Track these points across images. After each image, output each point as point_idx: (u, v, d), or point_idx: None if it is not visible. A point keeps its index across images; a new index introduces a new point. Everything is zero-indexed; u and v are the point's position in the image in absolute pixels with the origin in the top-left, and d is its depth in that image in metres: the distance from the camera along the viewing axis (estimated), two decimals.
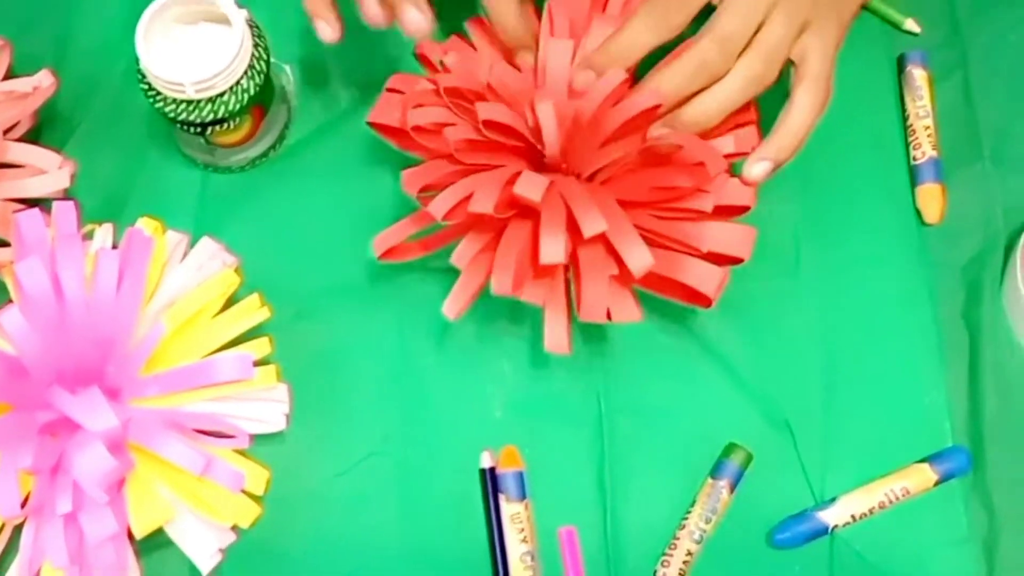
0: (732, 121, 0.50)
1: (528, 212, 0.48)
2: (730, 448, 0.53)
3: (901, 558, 0.52)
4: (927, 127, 0.58)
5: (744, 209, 0.50)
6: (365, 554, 0.52)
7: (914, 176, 0.58)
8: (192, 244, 0.53)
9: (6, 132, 0.53)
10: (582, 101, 0.48)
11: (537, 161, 0.50)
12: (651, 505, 0.52)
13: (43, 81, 0.56)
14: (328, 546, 0.52)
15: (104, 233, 0.52)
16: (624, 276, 0.48)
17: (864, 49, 0.59)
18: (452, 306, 0.50)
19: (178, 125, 0.53)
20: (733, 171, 0.49)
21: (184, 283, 0.51)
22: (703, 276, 0.49)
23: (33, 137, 0.57)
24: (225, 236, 0.53)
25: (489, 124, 0.48)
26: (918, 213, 0.57)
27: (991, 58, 0.60)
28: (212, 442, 0.50)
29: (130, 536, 0.48)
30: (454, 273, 0.49)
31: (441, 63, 0.51)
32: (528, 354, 0.55)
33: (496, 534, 0.51)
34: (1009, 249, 0.56)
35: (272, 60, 0.54)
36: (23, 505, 0.47)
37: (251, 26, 0.52)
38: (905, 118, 0.59)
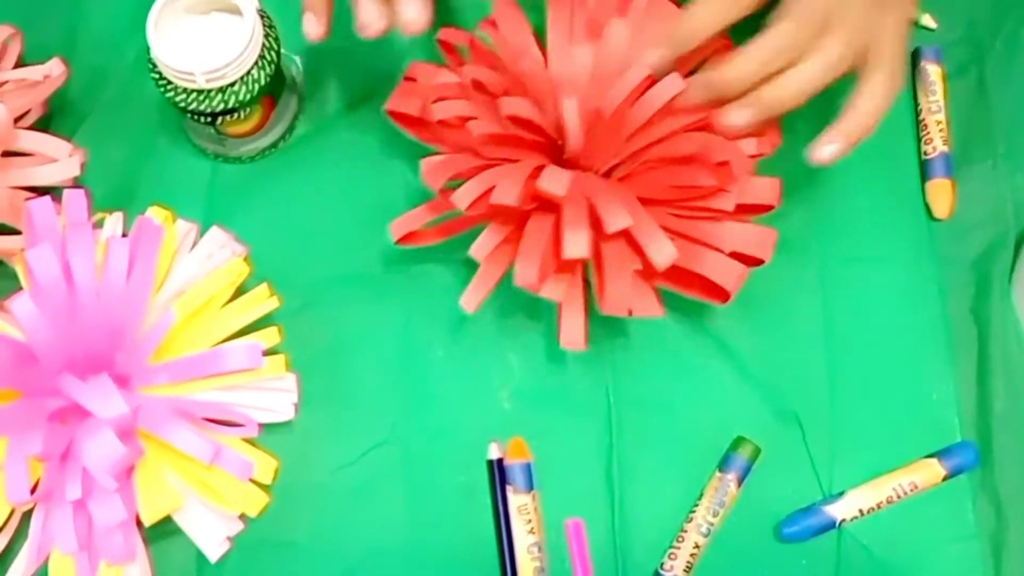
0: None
1: (548, 207, 0.48)
2: (738, 442, 0.53)
3: (908, 553, 0.52)
4: (939, 122, 0.58)
5: (768, 208, 0.49)
6: (372, 544, 0.52)
7: (924, 171, 0.58)
8: (202, 233, 0.53)
9: (17, 120, 0.53)
10: (605, 99, 0.47)
11: (556, 156, 0.50)
12: (659, 498, 0.53)
13: (54, 70, 0.56)
14: (335, 535, 0.52)
15: (114, 221, 0.53)
16: (647, 271, 0.48)
17: None
18: (471, 299, 0.49)
19: (188, 115, 0.53)
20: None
21: (194, 272, 0.51)
22: (723, 270, 0.48)
23: (44, 125, 0.57)
24: (234, 226, 0.53)
25: (512, 119, 0.48)
26: (928, 208, 0.57)
27: (1007, 56, 0.60)
28: (221, 431, 0.50)
29: (139, 523, 0.48)
30: (462, 264, 0.49)
31: (464, 49, 0.50)
32: (536, 346, 0.55)
33: (503, 525, 0.51)
34: (1019, 245, 0.56)
35: (282, 50, 0.54)
36: (32, 491, 0.47)
37: (262, 16, 0.52)
38: (917, 113, 0.59)
